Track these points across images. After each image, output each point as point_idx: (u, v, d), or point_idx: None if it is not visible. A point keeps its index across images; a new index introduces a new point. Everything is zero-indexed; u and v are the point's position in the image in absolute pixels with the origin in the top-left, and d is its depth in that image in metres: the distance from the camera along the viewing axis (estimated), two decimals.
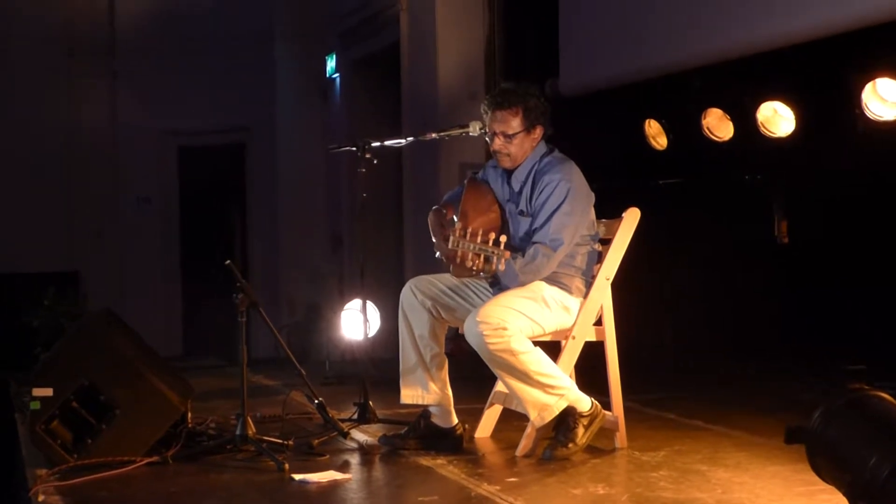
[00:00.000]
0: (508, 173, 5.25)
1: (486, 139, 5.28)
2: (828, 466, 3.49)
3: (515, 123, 5.13)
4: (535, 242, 5.01)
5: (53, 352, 5.33)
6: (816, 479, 3.59)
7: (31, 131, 12.17)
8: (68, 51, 12.42)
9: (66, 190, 12.37)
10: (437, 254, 5.21)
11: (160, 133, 12.64)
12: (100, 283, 12.13)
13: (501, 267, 4.66)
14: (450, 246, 4.70)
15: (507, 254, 4.66)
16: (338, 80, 11.55)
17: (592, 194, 5.19)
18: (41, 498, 4.47)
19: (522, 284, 5.00)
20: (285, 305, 11.57)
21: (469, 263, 4.68)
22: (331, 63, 11.62)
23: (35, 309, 9.74)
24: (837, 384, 3.60)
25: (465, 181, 5.37)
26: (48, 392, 4.99)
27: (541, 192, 5.05)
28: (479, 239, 4.65)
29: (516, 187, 5.20)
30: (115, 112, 12.68)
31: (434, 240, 5.30)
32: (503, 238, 4.66)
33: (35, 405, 4.99)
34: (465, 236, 4.67)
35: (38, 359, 6.30)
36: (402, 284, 5.38)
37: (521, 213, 5.15)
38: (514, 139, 5.13)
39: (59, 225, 12.29)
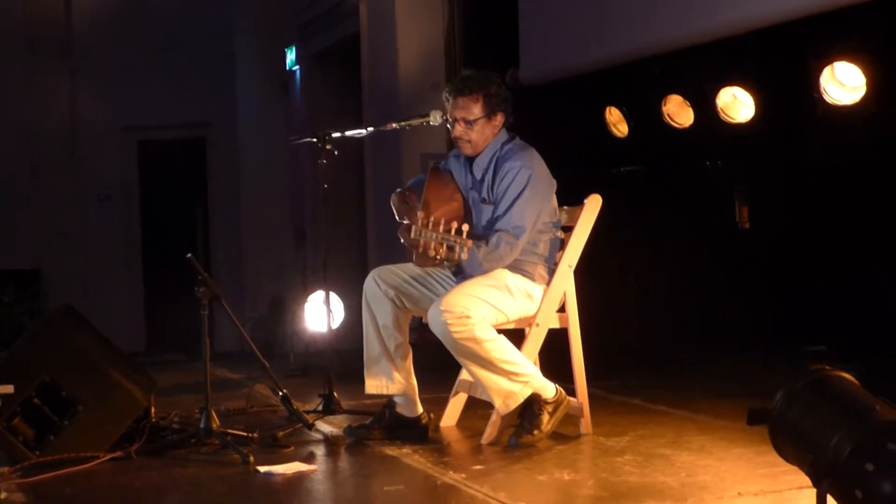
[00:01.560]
0: (470, 161, 5.25)
1: (448, 126, 5.28)
2: (790, 447, 3.51)
3: (476, 110, 5.14)
4: (497, 230, 5.01)
5: (14, 349, 5.28)
6: (780, 459, 3.61)
7: None
8: (27, 47, 12.30)
9: (27, 187, 12.25)
10: (402, 240, 5.20)
11: (120, 128, 12.53)
12: (61, 280, 12.03)
13: (464, 256, 4.65)
14: (412, 236, 4.70)
15: (470, 242, 4.65)
16: (298, 72, 11.50)
17: (554, 181, 5.20)
18: (3, 496, 4.43)
19: (486, 272, 5.01)
20: (249, 298, 11.52)
21: (432, 253, 4.67)
22: (290, 55, 11.57)
23: None
24: (798, 365, 3.61)
25: (428, 170, 5.37)
26: (9, 389, 4.94)
27: (502, 180, 5.06)
28: (441, 228, 4.64)
29: (478, 175, 5.20)
30: (74, 108, 12.57)
31: (398, 219, 5.28)
32: (465, 227, 4.65)
33: None
34: (427, 226, 4.66)
35: None
36: (366, 275, 5.37)
37: (484, 200, 5.16)
38: (475, 125, 5.14)
39: (19, 222, 12.17)
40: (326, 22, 10.64)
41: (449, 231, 4.64)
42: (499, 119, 5.20)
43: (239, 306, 10.69)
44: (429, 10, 9.00)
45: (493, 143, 5.20)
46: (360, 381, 5.33)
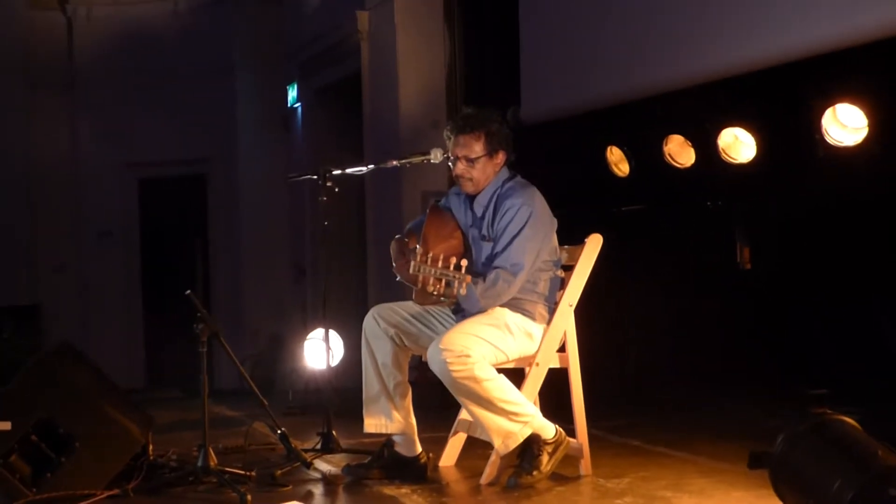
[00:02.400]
0: (471, 199, 5.25)
1: (449, 164, 5.28)
2: (791, 491, 3.49)
3: (478, 148, 5.14)
4: (495, 267, 5.00)
5: (11, 385, 5.26)
6: None
7: None
8: (28, 84, 12.33)
9: (27, 223, 12.25)
10: (400, 276, 5.19)
11: (121, 165, 12.55)
12: (61, 316, 12.00)
13: (463, 291, 4.62)
14: (411, 271, 4.67)
15: (468, 278, 4.63)
16: (299, 109, 11.52)
17: (555, 220, 5.19)
18: None
19: (483, 309, 4.99)
20: (248, 335, 11.50)
21: (430, 288, 4.64)
22: (292, 93, 11.60)
23: None
24: (800, 409, 3.59)
25: (428, 208, 5.36)
26: (6, 426, 4.92)
27: (502, 217, 5.06)
28: (440, 264, 4.62)
29: (479, 212, 5.20)
30: (75, 145, 12.59)
31: (394, 264, 5.28)
32: (464, 262, 4.63)
33: None
34: (426, 261, 4.64)
35: None
36: (365, 313, 5.35)
37: (484, 237, 5.15)
38: (477, 164, 5.14)
39: (19, 258, 12.16)
40: (328, 59, 10.67)
41: (448, 267, 4.61)
42: (500, 157, 5.21)
43: (238, 343, 10.66)
44: (430, 48, 9.02)
45: (495, 181, 5.20)
46: (359, 420, 5.31)
